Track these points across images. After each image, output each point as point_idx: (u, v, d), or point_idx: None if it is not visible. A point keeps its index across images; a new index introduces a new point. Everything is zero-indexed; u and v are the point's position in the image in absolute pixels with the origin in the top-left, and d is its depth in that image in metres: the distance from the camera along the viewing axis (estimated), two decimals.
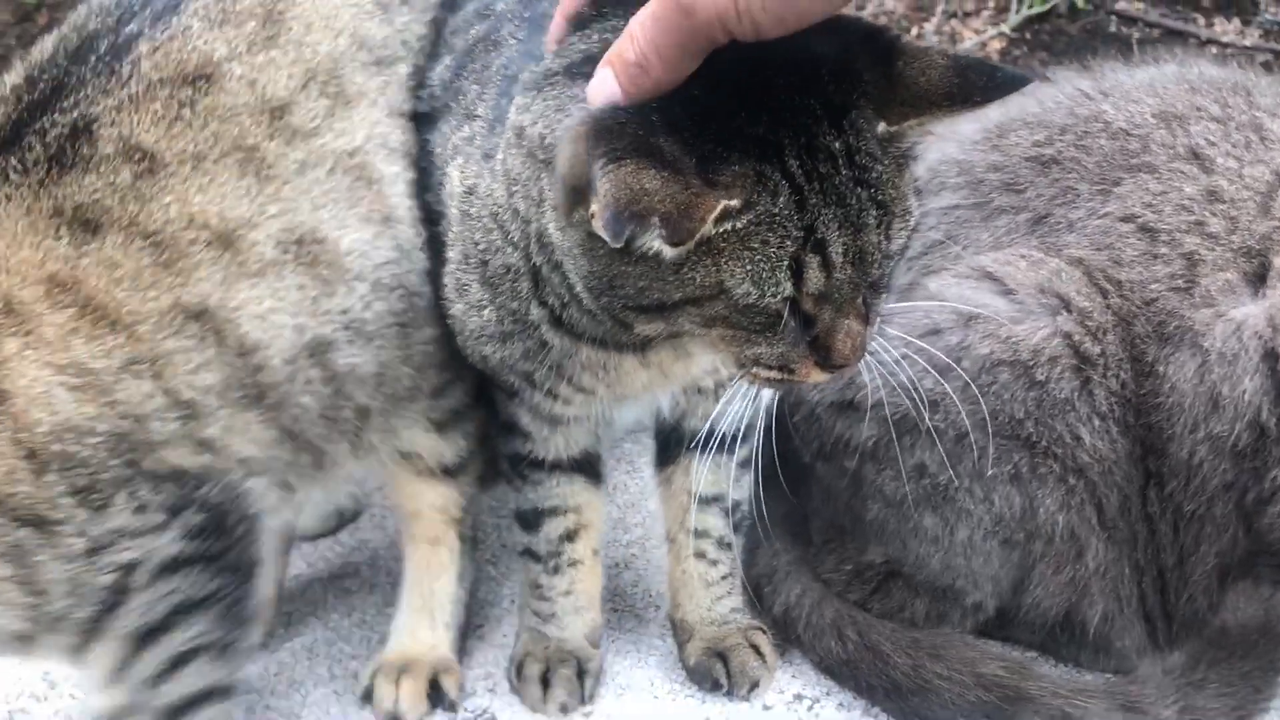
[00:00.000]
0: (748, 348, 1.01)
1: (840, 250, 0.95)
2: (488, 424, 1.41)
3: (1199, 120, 1.35)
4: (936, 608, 1.43)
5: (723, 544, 1.43)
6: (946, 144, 1.48)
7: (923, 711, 1.35)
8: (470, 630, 1.52)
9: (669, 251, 0.93)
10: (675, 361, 1.23)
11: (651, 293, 0.98)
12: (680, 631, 1.47)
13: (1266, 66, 3.86)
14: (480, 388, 1.38)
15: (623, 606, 1.58)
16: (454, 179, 1.21)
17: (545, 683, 1.41)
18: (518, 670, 1.43)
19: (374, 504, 1.77)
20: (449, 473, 1.42)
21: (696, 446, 1.38)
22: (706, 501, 1.41)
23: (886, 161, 0.96)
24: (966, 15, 3.67)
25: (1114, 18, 3.51)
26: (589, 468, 1.39)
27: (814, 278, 0.95)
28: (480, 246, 1.18)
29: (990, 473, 1.32)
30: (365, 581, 1.64)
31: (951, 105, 0.96)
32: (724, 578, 1.45)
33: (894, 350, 1.38)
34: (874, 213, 0.95)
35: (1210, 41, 3.87)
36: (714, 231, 0.92)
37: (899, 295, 1.41)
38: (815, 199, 0.93)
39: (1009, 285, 1.34)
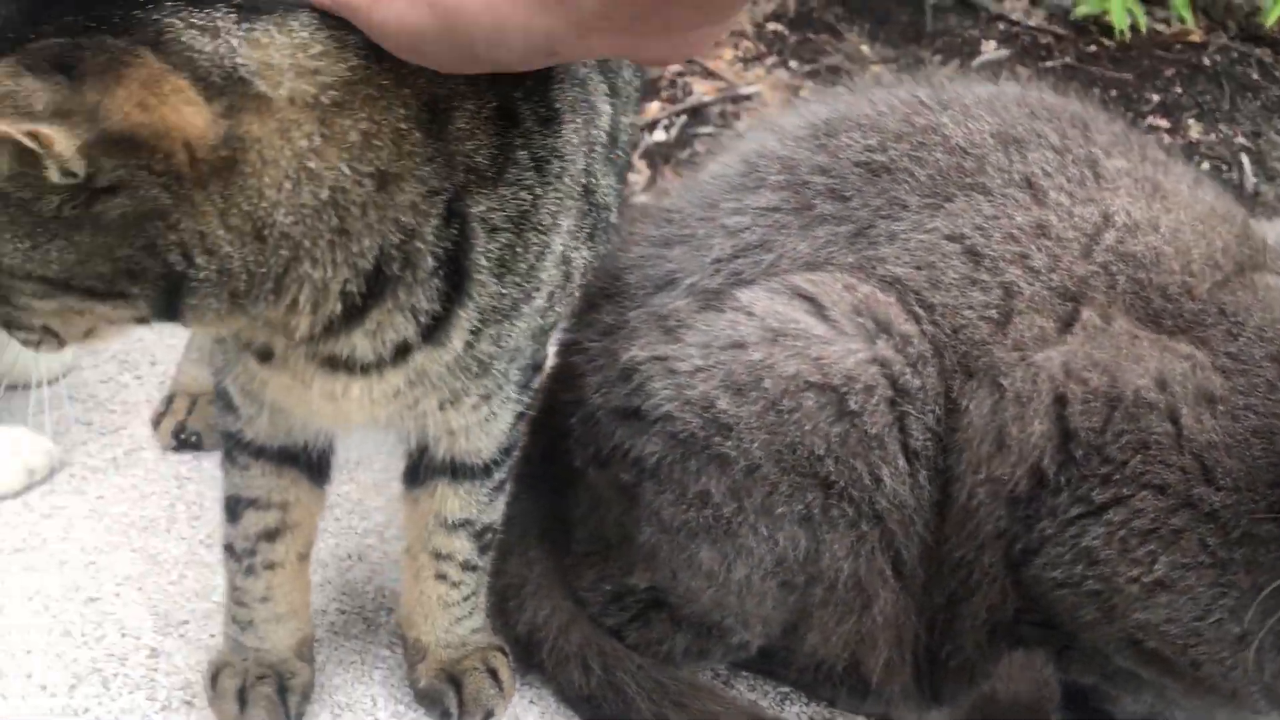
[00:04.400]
0: None
1: None
2: None
3: (1038, 148, 1.24)
4: (698, 644, 1.29)
5: (468, 566, 1.24)
6: (766, 135, 1.33)
7: None
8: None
9: None
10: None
11: None
12: (412, 651, 1.28)
13: (1048, 48, 3.93)
14: None
15: (351, 607, 1.39)
16: None
17: (243, 700, 1.21)
18: (213, 680, 1.23)
19: (74, 462, 1.53)
20: None
21: (447, 474, 1.18)
22: (455, 526, 1.21)
23: None
24: None
25: None
26: (308, 462, 1.18)
27: None
28: None
29: (779, 511, 1.19)
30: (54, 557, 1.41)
31: None
32: (466, 599, 1.26)
33: (692, 360, 1.23)
34: None
35: (999, 17, 3.88)
36: None
37: (703, 302, 1.26)
38: None
39: (823, 304, 1.21)
